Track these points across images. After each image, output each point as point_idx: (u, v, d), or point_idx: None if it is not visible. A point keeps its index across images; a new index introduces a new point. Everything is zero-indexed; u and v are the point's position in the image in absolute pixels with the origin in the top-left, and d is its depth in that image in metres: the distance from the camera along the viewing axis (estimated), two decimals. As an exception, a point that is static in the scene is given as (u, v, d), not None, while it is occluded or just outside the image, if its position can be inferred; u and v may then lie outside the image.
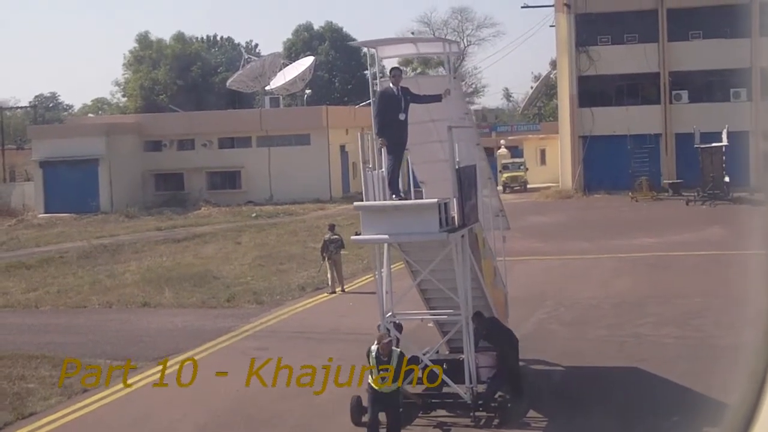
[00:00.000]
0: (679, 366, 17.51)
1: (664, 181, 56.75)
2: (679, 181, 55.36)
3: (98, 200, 65.83)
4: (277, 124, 68.63)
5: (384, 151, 14.73)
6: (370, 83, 15.63)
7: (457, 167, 14.54)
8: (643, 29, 59.29)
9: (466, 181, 14.73)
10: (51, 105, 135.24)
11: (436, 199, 14.45)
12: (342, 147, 67.81)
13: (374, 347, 14.12)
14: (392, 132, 14.60)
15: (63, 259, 39.62)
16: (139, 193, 68.26)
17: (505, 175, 68.37)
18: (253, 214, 58.10)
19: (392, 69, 15.61)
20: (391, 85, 14.94)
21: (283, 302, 27.39)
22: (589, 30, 59.98)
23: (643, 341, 19.90)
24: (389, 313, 15.56)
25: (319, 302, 27.45)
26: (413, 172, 17.10)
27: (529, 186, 67.34)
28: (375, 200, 14.81)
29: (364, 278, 30.00)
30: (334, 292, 28.48)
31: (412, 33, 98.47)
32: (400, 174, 15.34)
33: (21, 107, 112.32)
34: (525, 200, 59.64)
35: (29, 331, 24.88)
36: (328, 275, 28.86)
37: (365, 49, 16.41)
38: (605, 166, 57.97)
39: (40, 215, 65.20)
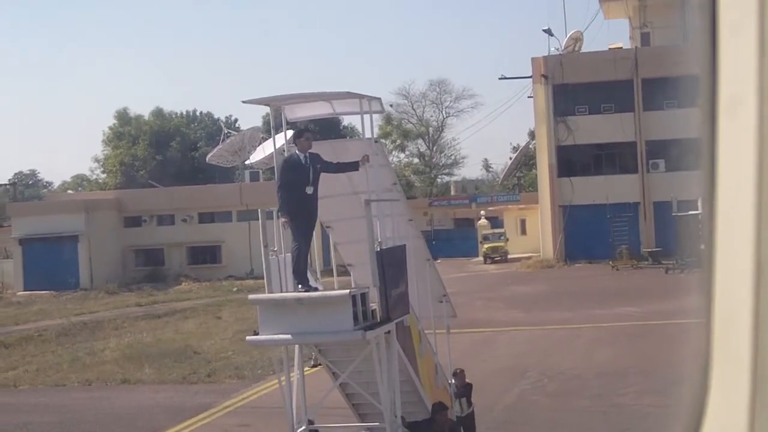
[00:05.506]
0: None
1: (644, 250, 56.95)
2: (658, 249, 55.47)
3: (78, 277, 65.61)
4: (258, 197, 68.43)
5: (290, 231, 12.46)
6: (274, 149, 13.47)
7: (378, 249, 12.05)
8: (619, 99, 59.94)
9: (391, 265, 12.26)
10: (31, 182, 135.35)
11: (347, 290, 12.00)
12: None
13: None
14: (298, 208, 12.37)
15: (42, 337, 39.25)
16: (119, 269, 68.06)
17: (486, 245, 68.70)
18: (234, 289, 57.88)
19: (297, 132, 13.17)
20: (297, 151, 12.61)
21: (264, 377, 27.15)
22: (566, 100, 60.54)
23: (625, 411, 19.85)
24: (302, 428, 13.43)
25: (300, 376, 27.21)
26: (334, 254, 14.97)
27: (509, 256, 67.39)
28: (277, 292, 12.30)
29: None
30: (316, 366, 28.24)
31: (391, 105, 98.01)
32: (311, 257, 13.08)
33: (0, 185, 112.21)
34: (506, 270, 59.76)
35: (7, 411, 24.54)
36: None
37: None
38: (586, 235, 58.09)
39: (19, 293, 64.80)
